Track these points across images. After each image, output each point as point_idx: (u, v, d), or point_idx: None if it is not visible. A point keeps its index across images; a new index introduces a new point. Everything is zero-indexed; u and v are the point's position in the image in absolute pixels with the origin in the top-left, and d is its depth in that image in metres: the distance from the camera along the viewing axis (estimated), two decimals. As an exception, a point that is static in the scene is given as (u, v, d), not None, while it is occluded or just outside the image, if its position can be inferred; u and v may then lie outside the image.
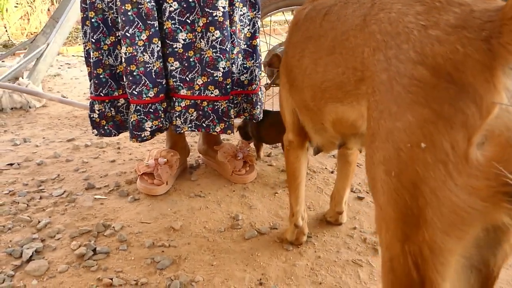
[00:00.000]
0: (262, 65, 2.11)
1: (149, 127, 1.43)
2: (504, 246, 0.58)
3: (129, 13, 1.31)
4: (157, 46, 1.36)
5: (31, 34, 5.99)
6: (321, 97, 0.85)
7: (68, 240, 1.29)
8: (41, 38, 3.10)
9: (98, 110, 1.46)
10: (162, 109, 1.44)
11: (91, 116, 1.47)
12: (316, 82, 0.85)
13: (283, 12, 1.97)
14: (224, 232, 1.33)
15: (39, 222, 1.37)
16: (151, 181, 1.55)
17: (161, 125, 1.45)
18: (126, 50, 1.34)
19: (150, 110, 1.41)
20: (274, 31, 5.02)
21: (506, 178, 0.45)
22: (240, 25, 1.48)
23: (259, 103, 1.59)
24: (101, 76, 1.42)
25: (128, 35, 1.32)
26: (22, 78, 2.87)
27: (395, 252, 0.58)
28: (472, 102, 0.49)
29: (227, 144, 1.73)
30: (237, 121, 1.81)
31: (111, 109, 1.48)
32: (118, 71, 1.45)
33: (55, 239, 1.29)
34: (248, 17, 1.51)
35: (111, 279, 1.11)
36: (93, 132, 1.50)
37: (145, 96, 1.39)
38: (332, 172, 1.74)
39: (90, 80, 1.48)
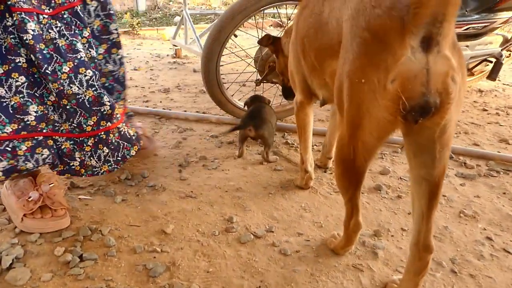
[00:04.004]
0: (253, 61, 2.05)
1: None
2: (435, 164, 0.90)
3: None
4: (16, 81, 1.17)
5: None
6: (321, 56, 1.17)
7: (50, 245, 1.20)
8: None
9: None
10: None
11: None
12: (318, 45, 1.17)
13: (276, 8, 1.91)
14: (219, 236, 1.27)
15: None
16: (49, 215, 1.26)
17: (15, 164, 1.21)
18: None
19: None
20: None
21: (402, 100, 0.78)
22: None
23: None
24: None
25: None
26: None
27: (345, 141, 0.94)
28: (390, 54, 0.78)
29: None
30: None
31: None
32: None
33: (36, 244, 1.20)
34: None
35: (101, 288, 1.04)
36: None
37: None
38: (325, 172, 1.70)
39: None
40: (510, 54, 2.70)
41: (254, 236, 1.28)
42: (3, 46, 1.16)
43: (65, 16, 1.23)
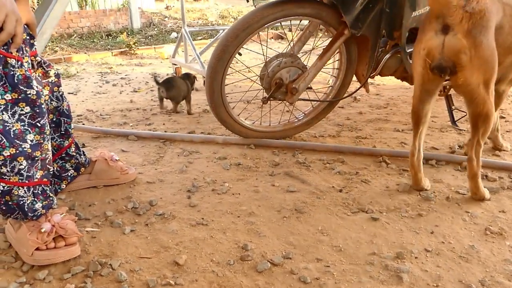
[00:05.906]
0: (259, 78, 2.01)
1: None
2: (470, 106, 1.47)
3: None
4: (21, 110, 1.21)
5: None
6: None
7: (60, 282, 1.14)
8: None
9: None
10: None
11: None
12: None
13: (280, 23, 1.88)
14: (234, 265, 1.21)
15: (24, 262, 1.21)
16: (61, 243, 1.24)
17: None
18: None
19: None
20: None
21: (427, 61, 1.41)
22: None
23: None
24: None
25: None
26: None
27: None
28: (424, 35, 1.41)
29: None
30: None
31: None
32: None
33: (45, 282, 1.14)
34: None
35: (114, 330, 0.97)
36: None
37: None
38: (340, 191, 1.64)
39: None
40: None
41: (271, 263, 1.21)
42: (16, 76, 1.18)
43: None
